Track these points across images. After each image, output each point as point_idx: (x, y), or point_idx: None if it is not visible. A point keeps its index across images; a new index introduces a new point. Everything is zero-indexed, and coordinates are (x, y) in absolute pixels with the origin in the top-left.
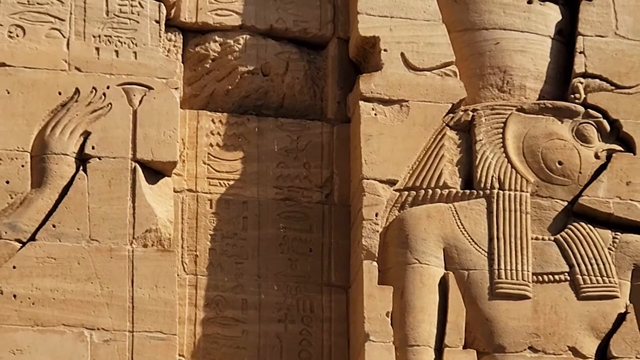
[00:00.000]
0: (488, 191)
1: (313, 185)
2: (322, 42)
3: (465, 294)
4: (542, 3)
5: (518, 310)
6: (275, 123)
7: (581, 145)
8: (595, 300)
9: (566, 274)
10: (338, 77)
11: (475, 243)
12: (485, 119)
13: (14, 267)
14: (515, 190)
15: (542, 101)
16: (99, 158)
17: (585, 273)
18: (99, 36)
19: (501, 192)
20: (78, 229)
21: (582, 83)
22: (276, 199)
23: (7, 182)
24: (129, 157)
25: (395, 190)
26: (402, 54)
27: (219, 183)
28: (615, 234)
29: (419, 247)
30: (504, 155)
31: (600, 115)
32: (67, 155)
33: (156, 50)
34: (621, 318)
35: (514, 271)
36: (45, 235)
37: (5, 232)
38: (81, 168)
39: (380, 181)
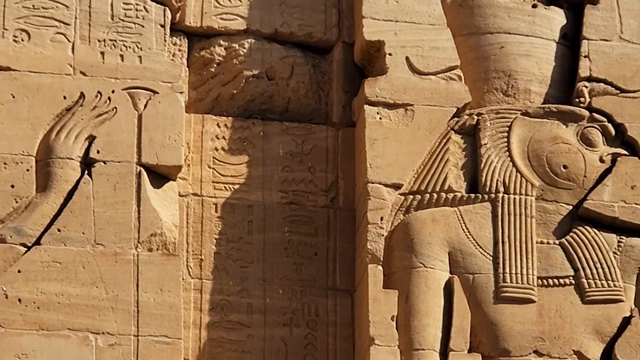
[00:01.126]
0: (493, 195)
1: (318, 189)
2: (327, 46)
3: (470, 297)
4: (546, 7)
5: (523, 314)
6: (280, 127)
7: (586, 149)
8: (600, 304)
9: (571, 277)
10: (343, 81)
11: (480, 247)
12: (490, 123)
13: (19, 272)
14: (520, 194)
15: (546, 105)
16: (104, 162)
17: (590, 277)
18: (104, 40)
19: (506, 196)
20: (83, 233)
21: (586, 87)
22: (281, 202)
23: (12, 186)
24: (134, 161)
25: (400, 194)
26: (407, 58)
27: (224, 187)
28: (620, 238)
29: (424, 251)
30: (509, 159)
31: (605, 119)
32: (72, 159)
33: (161, 54)
34: (626, 322)
35: (519, 275)
36: (50, 239)
37: (10, 236)
38: (86, 172)
39: (385, 185)
